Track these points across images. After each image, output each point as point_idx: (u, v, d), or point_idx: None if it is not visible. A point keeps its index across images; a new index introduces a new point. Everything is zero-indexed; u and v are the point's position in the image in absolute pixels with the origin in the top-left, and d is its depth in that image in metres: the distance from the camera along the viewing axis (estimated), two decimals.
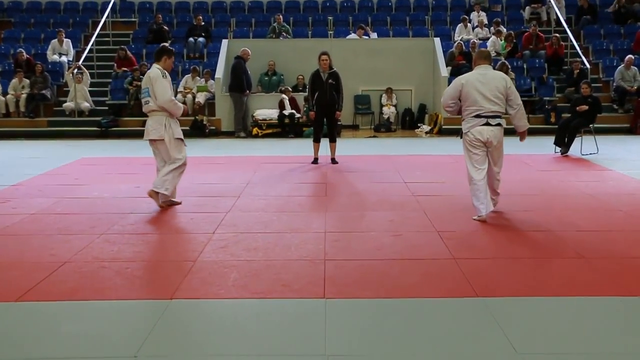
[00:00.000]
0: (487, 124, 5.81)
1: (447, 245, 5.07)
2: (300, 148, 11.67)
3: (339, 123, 13.05)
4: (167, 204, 6.52)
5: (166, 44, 7.13)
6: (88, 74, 15.39)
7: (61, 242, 5.22)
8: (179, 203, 6.61)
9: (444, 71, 14.53)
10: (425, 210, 6.34)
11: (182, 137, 6.50)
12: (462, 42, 15.57)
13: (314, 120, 9.69)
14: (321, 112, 9.51)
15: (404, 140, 13.40)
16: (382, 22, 17.79)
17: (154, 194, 6.44)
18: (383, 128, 14.85)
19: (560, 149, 10.55)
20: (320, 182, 8.20)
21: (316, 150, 9.70)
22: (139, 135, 14.11)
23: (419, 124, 15.00)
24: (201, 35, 16.70)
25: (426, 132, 14.32)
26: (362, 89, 15.53)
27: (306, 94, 14.24)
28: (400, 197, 7.02)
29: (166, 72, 6.48)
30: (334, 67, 9.56)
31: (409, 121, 15.26)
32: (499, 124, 5.85)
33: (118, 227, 5.74)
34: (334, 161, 9.61)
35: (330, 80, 9.40)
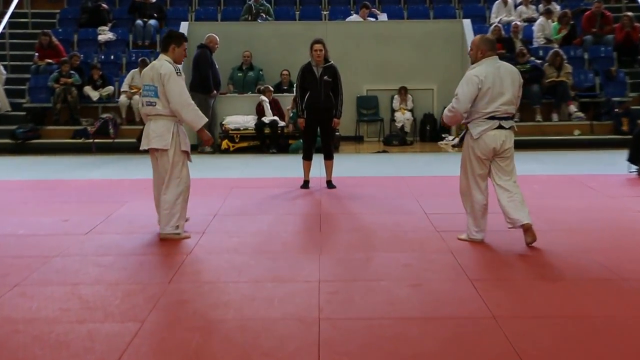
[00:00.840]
0: (501, 126, 6.33)
1: (484, 298, 5.05)
2: (286, 167, 11.68)
3: (336, 134, 13.14)
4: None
5: (174, 30, 7.26)
6: (1, 68, 15.45)
7: None
8: (189, 236, 6.81)
9: None
10: (453, 250, 6.33)
11: (189, 149, 6.79)
12: (500, 25, 15.75)
13: (304, 130, 9.73)
14: (313, 119, 9.54)
15: (424, 157, 13.44)
16: None
17: (168, 237, 6.72)
18: (395, 140, 14.92)
19: (636, 167, 10.59)
20: (312, 212, 8.19)
21: (307, 170, 9.73)
22: (68, 149, 14.66)
23: (443, 135, 15.07)
24: (152, 16, 16.84)
25: (453, 146, 14.41)
26: (368, 89, 15.65)
27: (293, 94, 14.35)
28: (419, 233, 7.01)
29: (179, 68, 6.69)
30: (330, 59, 9.63)
31: (430, 131, 15.35)
32: (512, 127, 6.40)
33: (38, 275, 5.69)
34: (330, 184, 9.63)
35: (325, 77, 9.45)
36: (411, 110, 15.40)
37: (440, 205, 8.43)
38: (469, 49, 6.67)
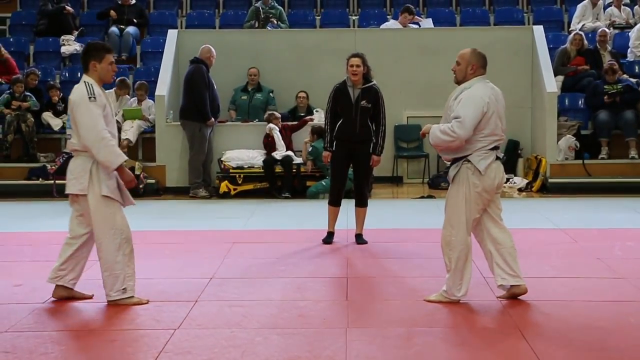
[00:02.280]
0: (498, 158, 6.90)
1: None
2: (303, 216, 11.71)
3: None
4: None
5: (93, 42, 7.35)
6: None
7: None
8: (146, 302, 6.97)
9: (551, 83, 14.73)
10: (520, 326, 6.31)
11: (113, 195, 6.86)
12: (582, 34, 15.79)
13: (332, 167, 9.81)
14: (345, 153, 9.60)
15: None
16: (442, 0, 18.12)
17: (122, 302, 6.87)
18: (445, 182, 14.89)
19: None
20: (337, 275, 8.20)
21: (332, 219, 9.77)
22: (21, 192, 14.72)
23: (507, 176, 15.01)
24: (131, 22, 17.10)
25: (520, 190, 14.43)
26: (409, 116, 15.68)
27: (317, 122, 14.50)
28: (475, 304, 6.99)
29: (97, 90, 6.78)
30: (373, 79, 9.70)
31: None
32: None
33: None
34: (360, 239, 9.65)
35: (363, 102, 9.52)
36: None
37: None
38: (456, 62, 7.03)
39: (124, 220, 6.93)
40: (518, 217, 11.74)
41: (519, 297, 7.03)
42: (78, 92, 6.80)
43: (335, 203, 9.69)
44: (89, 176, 6.77)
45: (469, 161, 6.76)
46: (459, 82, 6.95)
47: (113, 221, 6.83)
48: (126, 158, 7.05)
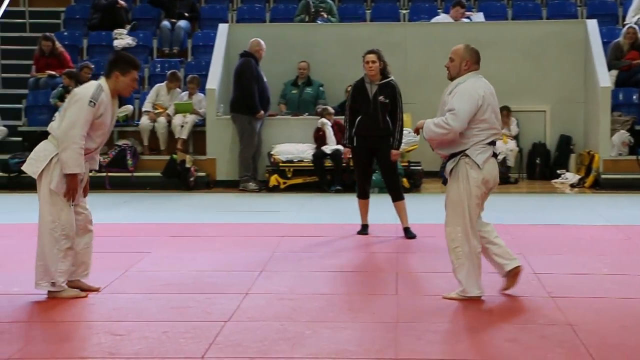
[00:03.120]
0: (495, 154, 7.00)
1: None
2: (352, 210, 11.68)
3: (419, 168, 13.22)
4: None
5: (123, 53, 7.60)
6: None
7: None
8: (84, 296, 7.00)
9: (605, 78, 14.62)
10: (572, 323, 6.27)
11: (59, 192, 6.84)
12: (636, 27, 15.60)
13: (355, 162, 10.00)
14: (365, 149, 9.70)
15: (533, 199, 13.36)
16: None
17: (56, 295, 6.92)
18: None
19: None
20: (386, 269, 8.25)
21: (363, 211, 9.95)
22: None
23: (559, 171, 14.95)
24: (183, 16, 17.21)
25: (572, 185, 14.32)
26: None
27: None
28: (527, 299, 6.98)
29: (103, 98, 6.83)
30: (390, 74, 9.74)
31: (542, 166, 15.24)
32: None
33: (36, 347, 5.80)
34: (409, 233, 9.66)
35: (381, 97, 9.60)
36: (516, 138, 15.32)
37: (555, 263, 8.34)
38: (449, 59, 7.01)
39: (69, 217, 6.89)
40: (570, 214, 11.71)
41: (569, 295, 7.03)
42: (85, 90, 6.89)
43: (362, 196, 9.90)
44: (47, 164, 6.80)
45: (467, 155, 6.79)
46: (452, 78, 6.99)
47: (57, 215, 6.83)
48: (84, 171, 6.95)
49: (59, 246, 6.86)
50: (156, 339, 5.95)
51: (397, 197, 9.76)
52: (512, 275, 6.98)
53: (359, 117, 9.66)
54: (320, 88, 15.39)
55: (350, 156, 10.07)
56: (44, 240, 6.87)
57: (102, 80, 6.97)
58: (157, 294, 7.15)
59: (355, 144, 9.72)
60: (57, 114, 6.99)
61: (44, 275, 6.87)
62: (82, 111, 6.75)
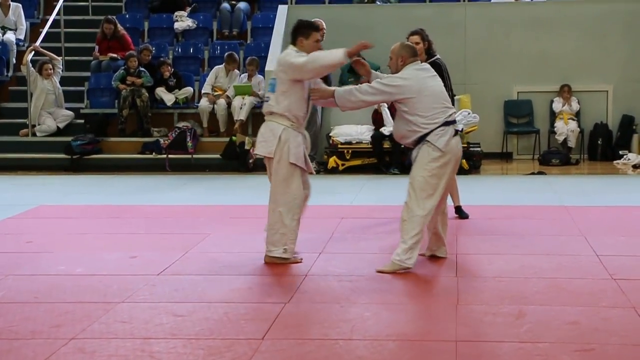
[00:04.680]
0: (456, 132, 7.41)
1: None
2: None
3: (478, 150, 13.09)
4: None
5: (302, 20, 7.74)
6: (60, 63, 15.93)
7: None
8: (300, 261, 7.54)
9: None
10: (636, 306, 6.18)
11: (301, 163, 7.41)
12: None
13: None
14: None
15: (595, 180, 13.19)
16: None
17: (276, 260, 7.45)
18: (556, 158, 14.71)
19: None
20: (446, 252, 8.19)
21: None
22: (136, 166, 14.99)
23: (621, 152, 14.76)
24: None
25: (635, 166, 14.14)
26: (519, 91, 15.51)
27: None
28: (589, 282, 6.91)
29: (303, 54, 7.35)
30: (436, 52, 9.60)
31: (603, 146, 15.07)
32: None
33: (99, 326, 5.84)
34: (460, 212, 9.60)
35: None
36: (577, 118, 15.13)
37: (618, 244, 8.25)
38: (389, 57, 7.47)
39: (300, 188, 7.42)
40: (633, 195, 11.57)
41: (632, 278, 6.98)
42: (286, 52, 7.47)
43: None
44: (277, 141, 7.28)
45: (428, 141, 7.11)
46: (394, 74, 7.40)
47: (295, 187, 7.37)
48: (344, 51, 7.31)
49: (295, 216, 7.39)
50: (217, 320, 5.98)
51: None
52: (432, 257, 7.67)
53: None
54: (378, 70, 15.22)
55: None
56: (281, 211, 7.35)
57: (290, 48, 7.44)
58: (217, 276, 7.20)
59: None
60: (269, 93, 7.51)
61: (278, 243, 7.37)
62: (299, 56, 7.27)
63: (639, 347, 5.34)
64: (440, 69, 9.42)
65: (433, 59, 9.44)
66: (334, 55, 7.24)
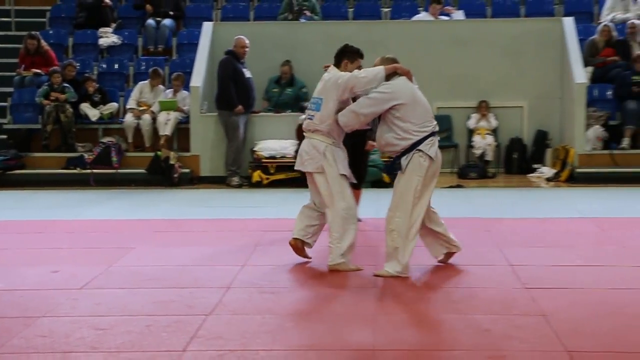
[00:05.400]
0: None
1: None
2: None
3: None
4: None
5: (350, 45, 7.91)
6: None
7: None
8: (361, 269, 7.70)
9: (580, 74, 14.67)
10: (547, 314, 6.32)
11: (347, 174, 7.68)
12: (611, 25, 15.68)
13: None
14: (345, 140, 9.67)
15: (511, 193, 13.40)
16: None
17: (339, 267, 7.64)
18: (473, 172, 14.90)
19: None
20: (364, 263, 8.24)
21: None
22: (60, 181, 14.79)
23: (535, 165, 15.02)
24: (167, 15, 17.17)
25: (548, 179, 14.38)
26: (439, 106, 15.64)
27: None
28: (502, 291, 7.02)
29: None
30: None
31: (519, 160, 15.30)
32: None
33: (19, 341, 5.80)
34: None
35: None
36: (494, 133, 15.36)
37: (531, 255, 8.38)
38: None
39: (352, 197, 7.69)
40: (546, 207, 11.77)
41: (543, 287, 7.11)
42: (338, 73, 7.62)
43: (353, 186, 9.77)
44: (323, 155, 7.54)
45: (420, 150, 7.29)
46: None
47: (349, 198, 7.62)
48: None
49: (351, 225, 7.59)
50: (138, 332, 5.98)
51: (357, 185, 9.68)
52: (447, 256, 7.81)
53: None
54: (303, 89, 15.25)
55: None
56: (340, 223, 7.56)
57: (332, 69, 7.72)
58: (140, 289, 7.17)
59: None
60: (313, 112, 7.70)
61: (338, 251, 7.55)
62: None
63: (548, 353, 5.46)
64: None
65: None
66: (375, 72, 7.45)
